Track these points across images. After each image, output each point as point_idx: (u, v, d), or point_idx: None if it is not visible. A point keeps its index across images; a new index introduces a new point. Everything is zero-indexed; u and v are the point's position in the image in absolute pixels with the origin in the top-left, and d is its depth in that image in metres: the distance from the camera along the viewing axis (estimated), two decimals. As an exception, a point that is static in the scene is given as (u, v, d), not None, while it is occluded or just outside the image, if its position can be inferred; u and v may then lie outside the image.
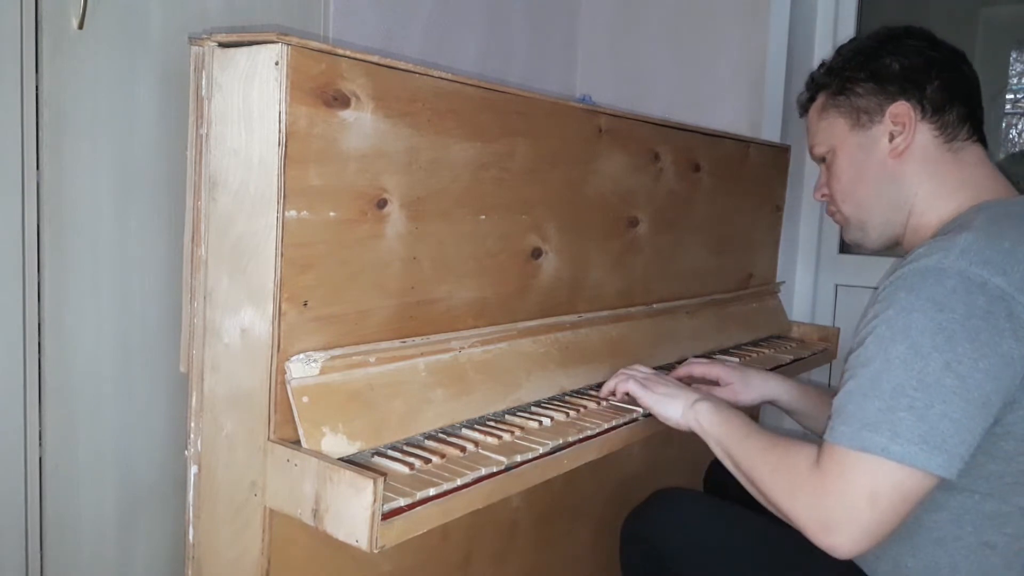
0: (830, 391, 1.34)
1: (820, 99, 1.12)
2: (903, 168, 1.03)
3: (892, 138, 1.03)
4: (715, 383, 1.32)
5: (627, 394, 1.21)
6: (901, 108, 1.02)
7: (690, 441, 1.10)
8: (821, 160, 1.13)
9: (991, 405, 0.83)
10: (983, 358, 0.82)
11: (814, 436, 1.35)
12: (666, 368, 1.42)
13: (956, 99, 1.02)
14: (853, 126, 1.06)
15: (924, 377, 0.82)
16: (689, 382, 1.33)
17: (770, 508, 0.94)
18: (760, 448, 0.97)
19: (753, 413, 1.99)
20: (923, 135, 1.02)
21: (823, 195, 1.15)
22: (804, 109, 1.17)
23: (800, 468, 0.89)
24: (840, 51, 1.11)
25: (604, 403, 1.22)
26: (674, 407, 1.12)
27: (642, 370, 1.25)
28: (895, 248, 1.11)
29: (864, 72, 1.05)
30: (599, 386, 1.30)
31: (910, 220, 1.05)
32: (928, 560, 0.93)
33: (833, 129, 1.09)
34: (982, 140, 1.05)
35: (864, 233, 1.10)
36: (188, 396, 0.99)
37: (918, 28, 1.07)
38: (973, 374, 0.82)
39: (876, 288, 0.95)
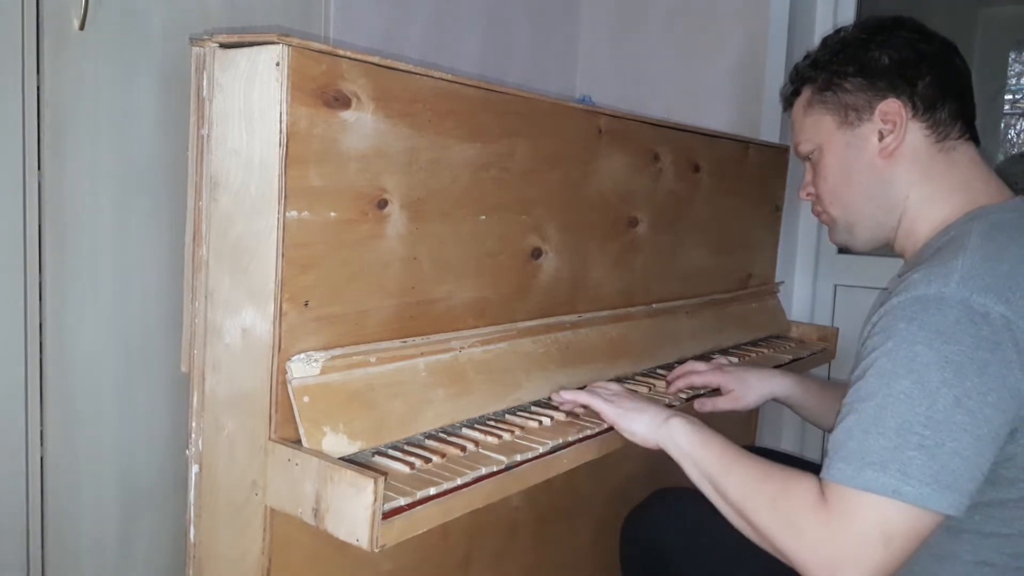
0: (832, 383, 1.34)
1: (805, 93, 1.06)
2: (893, 169, 0.99)
3: (882, 137, 0.98)
4: (716, 391, 1.31)
5: (584, 407, 1.14)
6: (891, 106, 0.97)
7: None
8: (806, 158, 1.09)
9: (999, 438, 0.80)
10: (991, 391, 0.79)
11: (821, 428, 1.34)
12: (666, 368, 1.42)
13: (948, 95, 0.97)
14: (841, 124, 1.01)
15: (933, 414, 0.78)
16: (690, 392, 1.32)
17: (757, 540, 0.90)
18: (754, 478, 0.91)
19: (752, 412, 1.99)
20: (914, 134, 0.98)
21: (808, 194, 1.10)
22: (788, 103, 1.11)
23: (804, 504, 0.84)
24: (826, 42, 1.06)
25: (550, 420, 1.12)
26: (641, 421, 1.05)
27: (611, 387, 1.17)
28: (887, 248, 1.09)
29: (852, 66, 1.00)
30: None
31: (902, 223, 1.01)
32: (926, 575, 0.91)
33: (819, 127, 1.04)
34: (974, 138, 1.01)
35: (852, 235, 1.06)
36: (189, 396, 0.99)
37: (908, 19, 1.02)
38: (983, 409, 0.78)
39: (869, 317, 0.91)
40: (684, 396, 1.30)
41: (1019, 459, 0.84)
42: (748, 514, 0.90)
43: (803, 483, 0.86)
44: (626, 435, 1.08)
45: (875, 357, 0.84)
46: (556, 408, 1.16)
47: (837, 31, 1.06)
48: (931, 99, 0.97)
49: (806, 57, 1.07)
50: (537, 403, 1.18)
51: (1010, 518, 0.87)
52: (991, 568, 0.88)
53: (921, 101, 0.97)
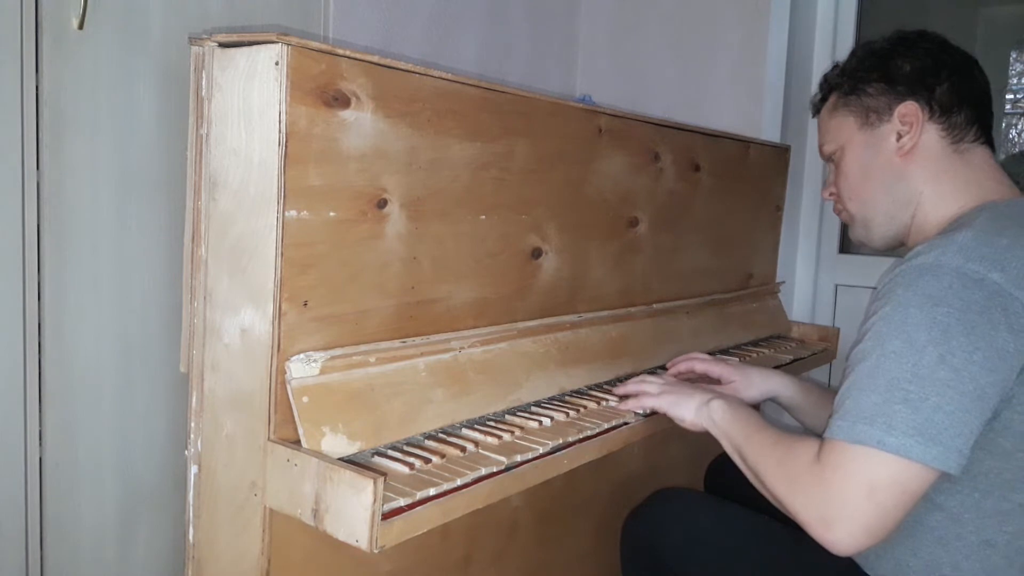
0: (831, 389, 1.34)
1: (832, 99, 1.13)
2: (909, 167, 1.04)
3: (899, 137, 1.04)
4: (717, 381, 1.32)
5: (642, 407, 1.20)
6: (909, 108, 1.03)
7: (691, 441, 1.11)
8: (830, 159, 1.15)
9: (987, 398, 0.83)
10: (977, 350, 0.82)
11: (816, 434, 1.35)
12: (666, 369, 1.42)
13: (965, 102, 1.03)
14: (862, 125, 1.08)
15: (918, 370, 0.83)
16: (690, 378, 1.33)
17: (776, 504, 0.94)
18: (767, 444, 0.98)
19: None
20: (930, 135, 1.03)
21: (831, 194, 1.16)
22: (816, 109, 1.18)
23: (801, 462, 0.89)
24: (854, 53, 1.13)
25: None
26: (687, 407, 1.13)
27: (655, 380, 1.25)
28: (899, 248, 1.12)
29: (876, 72, 1.07)
30: (599, 386, 1.30)
31: (915, 220, 1.06)
32: (930, 559, 0.93)
33: (842, 128, 1.10)
34: (990, 143, 1.06)
35: (868, 231, 1.11)
36: (188, 396, 0.99)
37: (932, 32, 1.08)
38: (968, 367, 0.82)
39: (876, 287, 0.95)
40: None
41: (1015, 427, 0.86)
42: (761, 476, 0.96)
43: (805, 444, 0.92)
44: (677, 422, 1.16)
45: (873, 321, 0.89)
46: (556, 408, 1.16)
47: (865, 43, 1.14)
48: (948, 104, 1.03)
49: (834, 67, 1.15)
50: (537, 403, 1.18)
51: (1008, 491, 0.89)
52: (993, 548, 0.90)
53: (938, 105, 1.03)
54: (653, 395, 1.20)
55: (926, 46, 1.06)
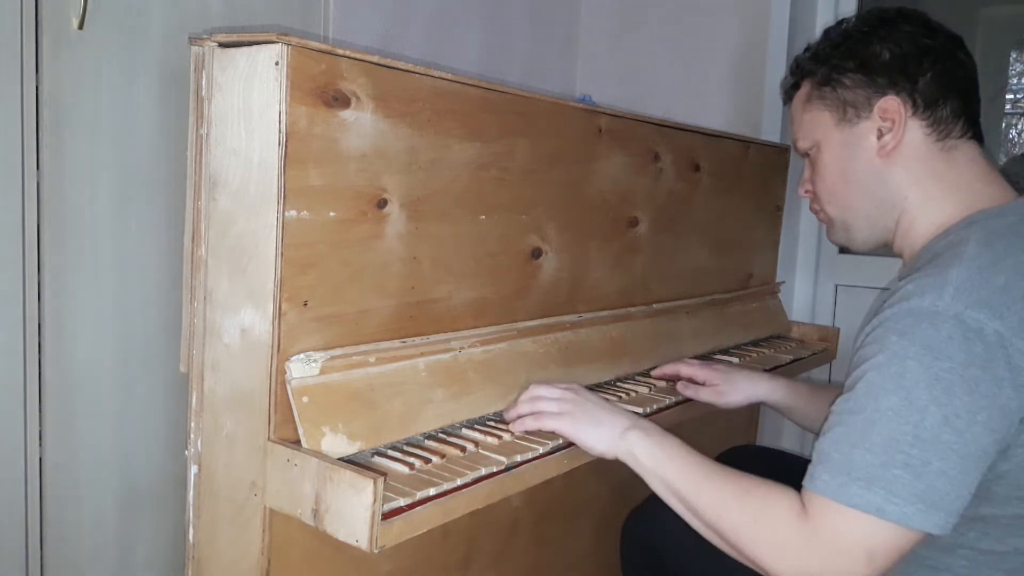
0: (823, 387, 1.34)
1: (805, 87, 1.04)
2: (891, 169, 0.97)
3: (880, 135, 0.96)
4: (701, 384, 1.31)
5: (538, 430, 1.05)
6: (891, 103, 0.95)
7: (692, 440, 1.10)
8: (805, 155, 1.07)
9: (987, 457, 0.79)
10: (981, 410, 0.77)
11: (813, 432, 1.35)
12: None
13: (951, 92, 0.95)
14: (839, 121, 0.99)
15: (920, 432, 0.77)
16: (674, 381, 1.33)
17: (734, 555, 0.88)
18: (731, 495, 0.88)
19: (753, 413, 1.99)
20: (913, 132, 0.95)
21: (807, 191, 1.09)
22: (788, 96, 1.09)
23: (784, 521, 0.82)
24: (828, 34, 1.03)
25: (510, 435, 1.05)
26: (596, 436, 1.00)
27: (551, 393, 1.06)
28: (888, 247, 1.08)
29: (852, 61, 0.97)
30: (599, 386, 1.30)
31: (900, 224, 0.99)
32: None
33: (817, 123, 1.01)
34: (978, 136, 0.98)
35: (849, 235, 1.04)
36: (188, 396, 0.99)
37: (912, 11, 0.99)
38: (971, 428, 0.77)
39: (863, 325, 0.90)
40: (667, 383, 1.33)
41: (1011, 477, 0.83)
42: (726, 532, 0.87)
43: (785, 498, 0.84)
44: (584, 450, 1.02)
45: (865, 369, 0.82)
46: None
47: (839, 22, 1.03)
48: (932, 96, 0.94)
49: (807, 49, 1.05)
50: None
51: (1004, 535, 0.86)
52: None
53: (922, 98, 0.94)
54: (552, 413, 1.03)
55: (907, 28, 0.96)
